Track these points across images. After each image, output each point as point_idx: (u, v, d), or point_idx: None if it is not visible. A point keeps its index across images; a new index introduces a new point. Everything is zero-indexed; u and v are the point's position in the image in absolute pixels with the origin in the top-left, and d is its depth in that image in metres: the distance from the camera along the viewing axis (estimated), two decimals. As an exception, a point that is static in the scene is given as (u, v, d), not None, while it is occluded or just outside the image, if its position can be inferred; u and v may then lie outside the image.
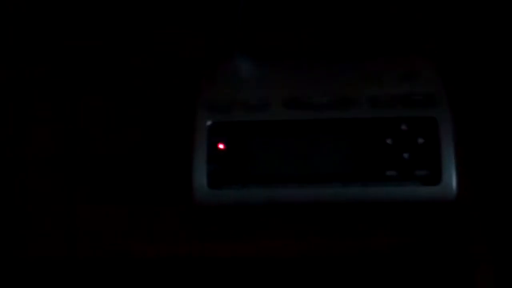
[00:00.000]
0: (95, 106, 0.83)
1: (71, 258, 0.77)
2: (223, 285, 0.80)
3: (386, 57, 0.80)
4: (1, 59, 0.86)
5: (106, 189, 0.79)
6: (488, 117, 0.82)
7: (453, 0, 0.87)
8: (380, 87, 0.75)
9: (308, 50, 0.86)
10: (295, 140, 0.73)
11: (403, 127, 0.73)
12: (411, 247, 0.76)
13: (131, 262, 0.78)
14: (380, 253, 0.76)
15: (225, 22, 0.83)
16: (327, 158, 0.73)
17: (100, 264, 0.78)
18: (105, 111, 0.83)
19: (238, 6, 0.80)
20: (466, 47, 0.85)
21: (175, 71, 0.85)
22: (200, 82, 0.77)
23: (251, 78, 0.78)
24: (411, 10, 0.86)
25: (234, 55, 0.80)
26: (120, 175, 0.79)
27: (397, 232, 0.76)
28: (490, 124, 0.82)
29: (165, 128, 0.81)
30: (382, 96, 0.74)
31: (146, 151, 0.80)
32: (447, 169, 0.71)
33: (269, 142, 0.73)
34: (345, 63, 0.79)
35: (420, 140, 0.72)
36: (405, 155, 0.72)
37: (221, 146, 0.73)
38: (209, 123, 0.74)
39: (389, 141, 0.72)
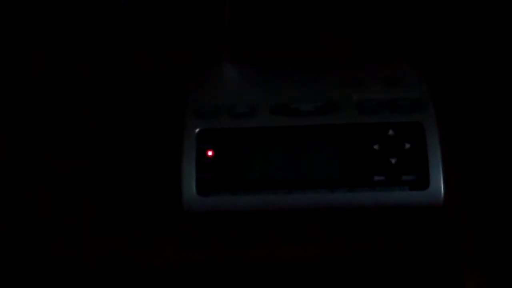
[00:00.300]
0: (83, 116, 0.83)
1: (66, 267, 0.77)
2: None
3: (372, 63, 0.80)
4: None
5: (95, 198, 0.79)
6: (475, 121, 0.83)
7: (438, 5, 0.87)
8: (367, 92, 0.75)
9: (294, 56, 0.86)
10: (283, 147, 0.74)
11: (390, 132, 0.73)
12: (400, 252, 0.76)
13: (123, 271, 0.78)
14: (369, 258, 0.76)
15: (212, 29, 0.83)
16: (315, 164, 0.73)
17: (95, 273, 0.78)
18: (93, 120, 0.83)
19: (224, 12, 0.80)
20: (452, 52, 0.86)
21: (162, 79, 0.85)
22: (187, 89, 0.77)
23: (239, 85, 0.78)
24: (397, 15, 0.87)
25: (221, 62, 0.80)
26: (110, 184, 0.79)
27: (386, 237, 0.76)
28: (477, 128, 0.82)
29: (154, 136, 0.81)
30: (368, 102, 0.74)
31: (135, 158, 0.80)
32: (434, 173, 0.72)
33: (257, 149, 0.74)
34: (331, 69, 0.80)
35: (407, 145, 0.73)
36: (393, 160, 0.72)
37: (209, 153, 0.73)
38: (197, 130, 0.74)
39: (376, 146, 0.73)
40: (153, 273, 0.78)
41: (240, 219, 0.76)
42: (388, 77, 0.77)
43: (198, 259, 0.77)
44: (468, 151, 0.81)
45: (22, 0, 0.90)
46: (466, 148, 0.81)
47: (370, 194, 0.72)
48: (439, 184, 0.72)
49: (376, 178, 0.72)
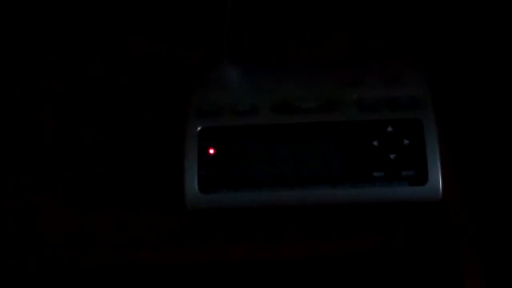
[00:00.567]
0: (85, 115, 0.84)
1: (71, 267, 0.78)
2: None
3: (372, 61, 0.81)
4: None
5: (97, 196, 0.80)
6: (474, 118, 0.83)
7: (437, 4, 0.88)
8: (366, 90, 0.76)
9: (295, 57, 0.87)
10: (284, 144, 0.74)
11: (389, 129, 0.74)
12: (399, 248, 0.76)
13: (126, 270, 0.78)
14: (369, 253, 0.77)
15: (213, 29, 0.84)
16: (316, 161, 0.74)
17: (99, 272, 0.79)
18: (94, 120, 0.84)
19: (226, 12, 0.81)
20: (451, 50, 0.86)
21: (164, 78, 0.86)
22: (189, 88, 0.78)
23: (240, 83, 0.79)
24: (397, 15, 0.88)
25: (223, 62, 0.81)
26: (112, 182, 0.80)
27: (385, 232, 0.77)
28: (475, 124, 0.83)
29: (157, 135, 0.82)
30: (368, 99, 0.75)
31: (137, 157, 0.81)
32: (433, 169, 0.72)
33: (259, 146, 0.74)
34: (332, 68, 0.80)
35: (406, 142, 0.73)
36: (392, 156, 0.73)
37: (211, 151, 0.74)
38: (199, 128, 0.75)
39: (375, 143, 0.74)
40: (156, 271, 0.79)
41: (242, 216, 0.77)
42: (388, 76, 0.77)
43: (201, 256, 0.77)
44: (467, 147, 0.81)
45: (23, 5, 0.91)
46: (465, 144, 0.81)
47: (370, 190, 0.73)
48: (437, 179, 0.72)
49: (376, 174, 0.73)
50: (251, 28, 0.88)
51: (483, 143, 0.82)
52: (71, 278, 0.79)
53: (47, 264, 0.78)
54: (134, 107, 0.84)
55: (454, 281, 0.74)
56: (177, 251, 0.77)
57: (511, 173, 0.81)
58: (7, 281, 0.79)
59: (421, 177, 0.72)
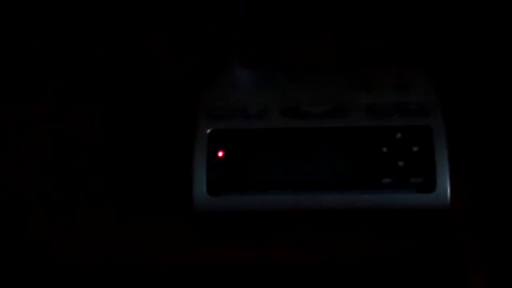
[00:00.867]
0: (94, 114, 0.84)
1: (76, 267, 0.78)
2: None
3: (382, 67, 0.81)
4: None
5: (106, 197, 0.80)
6: (482, 125, 0.83)
7: (447, 11, 0.88)
8: (376, 96, 0.76)
9: (305, 60, 0.87)
10: (293, 148, 0.74)
11: (398, 135, 0.74)
12: (406, 254, 0.77)
13: (131, 270, 0.79)
14: (375, 259, 0.77)
15: (224, 33, 0.84)
16: (324, 166, 0.74)
17: (106, 272, 0.79)
18: (104, 119, 0.84)
19: (237, 16, 0.81)
20: (459, 57, 0.86)
21: (174, 80, 0.86)
22: (199, 90, 0.78)
23: (250, 87, 0.79)
24: (407, 21, 0.88)
25: (233, 65, 0.81)
26: (120, 182, 0.80)
27: (393, 239, 0.77)
28: (484, 132, 0.83)
29: (165, 137, 0.82)
30: (377, 105, 0.75)
31: (145, 158, 0.81)
32: (441, 176, 0.72)
33: (267, 150, 0.75)
34: (342, 73, 0.80)
35: (415, 148, 0.73)
36: (400, 163, 0.73)
37: (220, 153, 0.74)
38: (208, 131, 0.75)
39: (384, 149, 0.74)
40: (162, 272, 0.79)
41: (250, 219, 0.77)
42: (397, 82, 0.77)
43: (208, 258, 0.78)
44: (476, 155, 0.81)
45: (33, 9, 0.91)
46: (474, 152, 0.81)
47: (378, 196, 0.73)
48: (445, 187, 0.72)
49: (384, 180, 0.73)
50: (261, 31, 0.88)
51: (492, 151, 0.82)
52: (75, 278, 0.79)
53: (50, 263, 0.78)
54: (143, 109, 0.84)
55: (460, 288, 0.75)
56: (182, 253, 0.78)
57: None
58: (7, 281, 0.79)
59: (429, 185, 0.73)
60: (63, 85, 0.86)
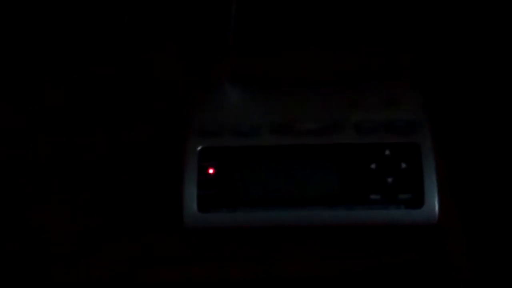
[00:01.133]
0: (86, 129, 0.85)
1: (67, 284, 0.78)
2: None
3: (370, 83, 0.82)
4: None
5: (96, 214, 0.80)
6: (471, 142, 0.84)
7: (434, 28, 0.89)
8: (365, 113, 0.77)
9: (295, 76, 0.87)
10: (283, 165, 0.75)
11: (387, 152, 0.75)
12: (394, 269, 0.77)
13: (125, 287, 0.79)
14: (364, 274, 0.77)
15: (215, 50, 0.85)
16: (314, 182, 0.74)
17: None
18: (95, 135, 0.84)
19: (228, 33, 0.82)
20: (448, 73, 0.87)
21: (165, 97, 0.86)
22: (190, 107, 0.79)
23: (241, 104, 0.80)
24: (395, 36, 0.88)
25: (224, 82, 0.82)
26: (111, 199, 0.80)
27: (381, 254, 0.77)
28: (473, 148, 0.84)
29: (156, 153, 0.82)
30: (366, 123, 0.76)
31: (136, 174, 0.82)
32: (429, 192, 0.73)
33: (258, 167, 0.75)
34: (331, 89, 0.81)
35: (403, 165, 0.74)
36: (389, 180, 0.74)
37: (211, 170, 0.75)
38: (199, 148, 0.76)
39: (373, 166, 0.74)
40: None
41: (240, 236, 0.78)
42: (386, 99, 0.78)
43: (198, 275, 0.77)
44: (464, 171, 0.82)
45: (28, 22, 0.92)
46: (462, 168, 0.82)
47: (367, 212, 0.73)
48: (433, 203, 0.73)
49: (373, 196, 0.74)
50: (252, 48, 0.89)
51: (481, 168, 0.82)
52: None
53: (44, 279, 0.78)
54: (133, 125, 0.85)
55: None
56: (173, 270, 0.78)
57: (508, 197, 0.81)
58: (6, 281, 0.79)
59: (418, 201, 0.73)
60: (61, 94, 0.87)
